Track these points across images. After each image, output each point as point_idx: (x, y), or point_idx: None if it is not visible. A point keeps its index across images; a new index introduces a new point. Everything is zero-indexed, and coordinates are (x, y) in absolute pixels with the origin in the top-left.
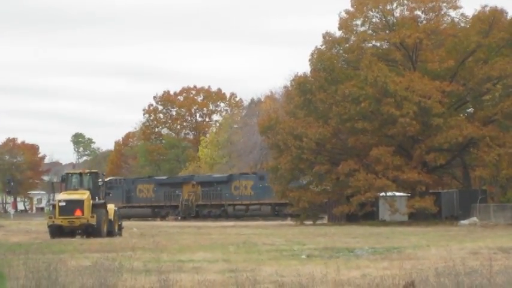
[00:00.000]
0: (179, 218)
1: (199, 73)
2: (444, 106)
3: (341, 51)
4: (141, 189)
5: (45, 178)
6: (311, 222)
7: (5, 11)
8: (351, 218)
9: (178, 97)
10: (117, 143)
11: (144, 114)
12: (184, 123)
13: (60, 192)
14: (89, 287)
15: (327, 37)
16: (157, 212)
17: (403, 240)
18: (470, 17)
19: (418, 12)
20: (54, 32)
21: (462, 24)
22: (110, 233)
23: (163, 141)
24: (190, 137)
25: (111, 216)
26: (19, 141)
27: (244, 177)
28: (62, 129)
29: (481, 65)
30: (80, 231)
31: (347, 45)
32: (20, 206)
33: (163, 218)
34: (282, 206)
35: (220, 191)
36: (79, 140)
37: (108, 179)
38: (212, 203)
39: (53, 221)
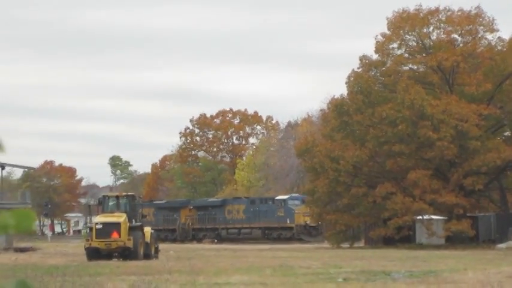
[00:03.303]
0: (215, 241)
1: (235, 96)
2: (481, 129)
3: (378, 74)
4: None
5: (82, 201)
6: (347, 246)
7: (43, 34)
8: (388, 241)
9: (215, 120)
10: (154, 166)
11: (180, 137)
12: (221, 146)
13: (97, 214)
14: None
15: (364, 60)
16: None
17: (440, 263)
18: (507, 40)
19: (455, 35)
20: (91, 55)
21: (499, 48)
22: (147, 256)
23: (200, 164)
24: (227, 159)
25: (147, 238)
26: (56, 163)
27: (237, 201)
28: (99, 152)
29: None
30: (116, 254)
31: (384, 68)
32: (57, 229)
33: (199, 241)
34: (271, 230)
35: (215, 215)
36: (116, 163)
37: None
38: (207, 226)
39: (90, 244)
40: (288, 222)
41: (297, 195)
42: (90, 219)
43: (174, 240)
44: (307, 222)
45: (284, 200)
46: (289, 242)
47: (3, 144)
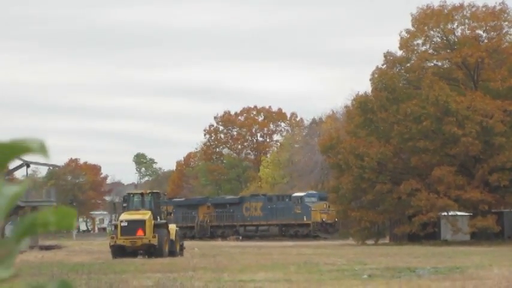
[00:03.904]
0: (240, 238)
1: (260, 93)
2: (506, 125)
3: (402, 71)
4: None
5: (107, 198)
6: (372, 242)
7: (69, 31)
8: (413, 238)
9: (239, 117)
10: (178, 163)
11: (205, 135)
12: (245, 143)
13: (122, 212)
14: None
15: (388, 57)
16: None
17: (465, 259)
18: None
19: (480, 31)
20: (116, 53)
21: None
22: (172, 253)
23: (224, 161)
24: (251, 156)
25: (172, 236)
26: (81, 161)
27: (255, 198)
28: (124, 149)
29: None
30: (141, 252)
31: (408, 64)
32: (82, 227)
33: (224, 238)
34: (288, 227)
35: (233, 212)
36: (141, 160)
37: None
38: (225, 223)
39: (115, 241)
40: (305, 219)
41: (313, 192)
42: (115, 216)
43: (192, 238)
44: (324, 219)
45: (301, 197)
46: (306, 239)
47: (46, 148)
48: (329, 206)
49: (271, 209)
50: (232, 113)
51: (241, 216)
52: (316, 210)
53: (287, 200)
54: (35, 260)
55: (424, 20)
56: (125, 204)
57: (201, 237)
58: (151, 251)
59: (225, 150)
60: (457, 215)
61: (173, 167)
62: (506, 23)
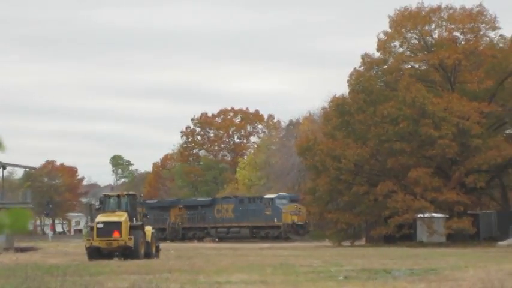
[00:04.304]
0: (216, 240)
1: (236, 95)
2: (483, 127)
3: (379, 73)
4: None
5: (84, 200)
6: (348, 244)
7: (45, 33)
8: (389, 240)
9: (216, 119)
10: (155, 165)
11: (182, 136)
12: (222, 145)
13: (98, 214)
14: None
15: (366, 58)
16: None
17: (441, 261)
18: (509, 38)
19: (457, 33)
20: (92, 54)
21: (501, 45)
22: (148, 255)
23: (201, 163)
24: (228, 158)
25: (148, 238)
26: (58, 163)
27: (226, 200)
28: (100, 151)
29: None
30: (117, 253)
31: (385, 66)
32: (58, 228)
33: (200, 240)
34: (259, 229)
35: (204, 214)
36: (117, 162)
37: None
38: (196, 225)
39: (91, 243)
40: (276, 221)
41: (284, 194)
42: (91, 218)
43: (164, 239)
44: (295, 221)
45: (272, 199)
46: (277, 240)
47: (3, 143)
48: (300, 208)
49: (242, 210)
50: (210, 114)
51: (213, 218)
52: (286, 212)
53: (258, 202)
54: (9, 262)
55: (402, 21)
56: (98, 206)
57: (172, 239)
58: (127, 253)
59: (202, 152)
60: (433, 217)
61: (150, 168)
62: (484, 24)
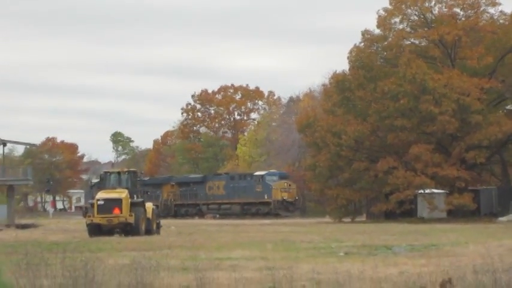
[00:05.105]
0: (217, 216)
1: (237, 72)
2: (483, 103)
3: (380, 49)
4: None
5: (84, 177)
6: (349, 220)
7: (47, 10)
8: (389, 216)
9: (217, 96)
10: (155, 142)
11: (182, 113)
12: (223, 122)
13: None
14: (126, 285)
15: (366, 35)
16: None
17: (441, 237)
18: (509, 14)
19: (457, 10)
20: (93, 30)
21: (501, 21)
22: (148, 232)
23: (202, 140)
24: (229, 135)
25: (149, 214)
26: (58, 140)
27: (218, 177)
28: (101, 128)
29: None
30: (118, 230)
31: (385, 42)
32: (59, 205)
33: (201, 216)
34: (250, 205)
35: (196, 191)
36: (118, 139)
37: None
38: (188, 202)
39: (92, 220)
40: (266, 197)
41: (274, 171)
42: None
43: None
44: (285, 197)
45: (262, 176)
46: (267, 217)
47: None
48: (290, 185)
49: (233, 187)
50: (210, 91)
51: (204, 194)
52: (277, 189)
53: (249, 178)
54: (10, 239)
55: None
56: (92, 184)
57: (165, 215)
58: (127, 230)
59: (203, 129)
60: (433, 193)
61: (150, 145)
62: (484, 1)
